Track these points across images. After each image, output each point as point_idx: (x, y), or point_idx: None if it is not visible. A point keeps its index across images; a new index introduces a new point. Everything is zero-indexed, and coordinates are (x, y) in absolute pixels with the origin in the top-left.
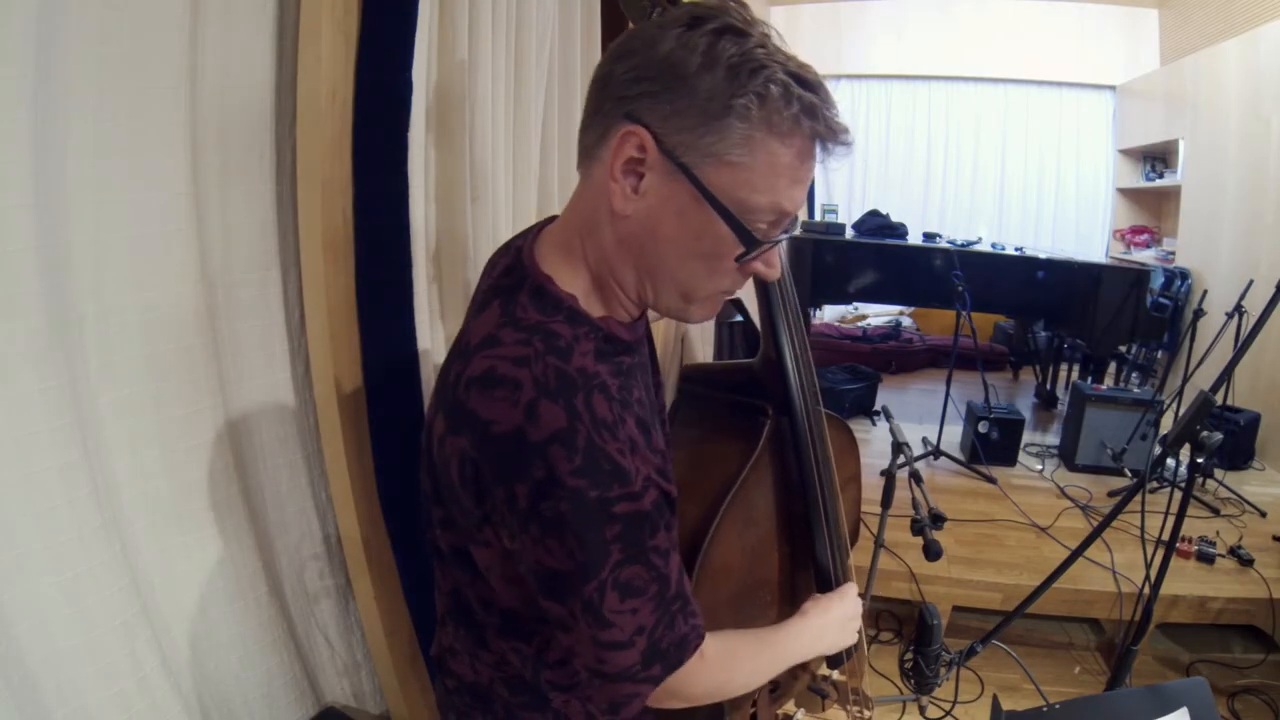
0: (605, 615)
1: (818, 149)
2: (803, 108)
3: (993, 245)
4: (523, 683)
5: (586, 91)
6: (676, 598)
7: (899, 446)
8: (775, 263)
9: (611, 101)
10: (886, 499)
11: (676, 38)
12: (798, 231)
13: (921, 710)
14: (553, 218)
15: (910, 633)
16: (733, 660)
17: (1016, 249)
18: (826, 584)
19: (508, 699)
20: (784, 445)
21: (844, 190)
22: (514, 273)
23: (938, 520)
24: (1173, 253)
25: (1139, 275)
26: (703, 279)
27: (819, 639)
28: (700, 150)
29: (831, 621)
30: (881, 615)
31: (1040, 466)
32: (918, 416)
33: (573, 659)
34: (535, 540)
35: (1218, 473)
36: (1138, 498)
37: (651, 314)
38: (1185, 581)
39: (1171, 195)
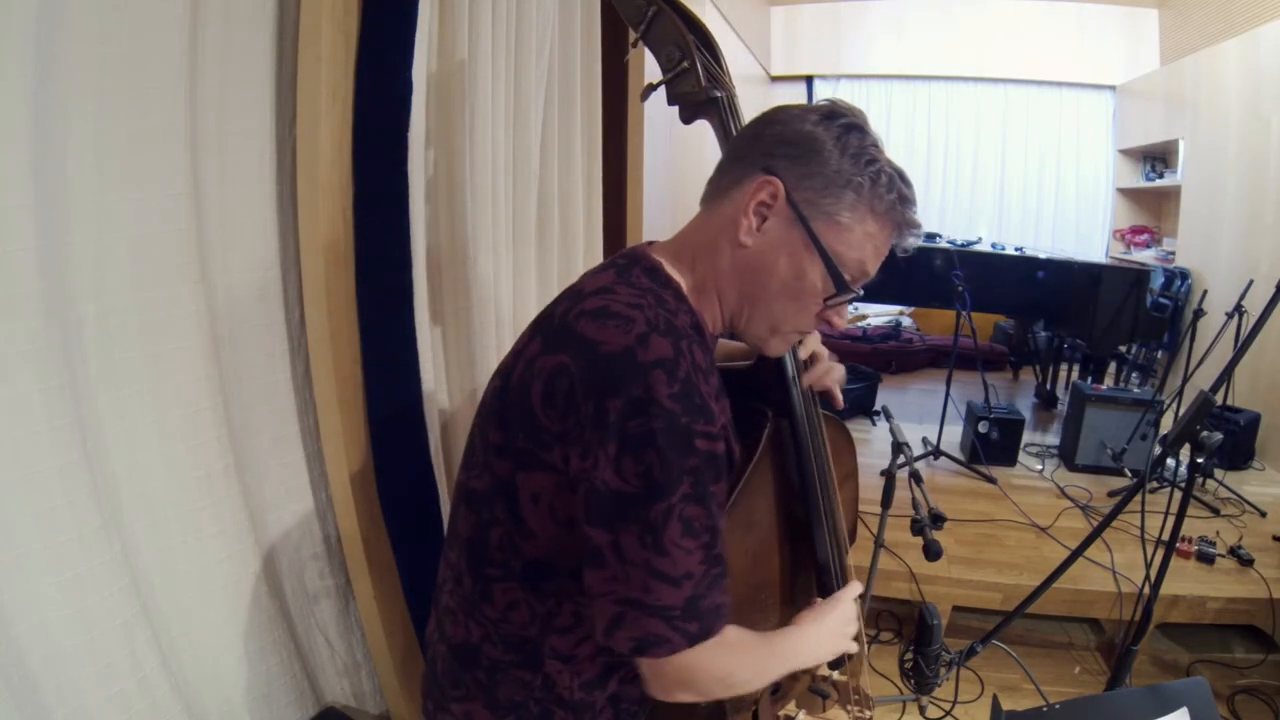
0: (665, 543)
1: (894, 233)
2: (899, 198)
3: (993, 245)
4: (519, 642)
5: (732, 141)
6: (719, 560)
7: (899, 446)
8: (845, 315)
9: (756, 155)
10: (886, 499)
11: (817, 121)
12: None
13: (921, 710)
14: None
15: (910, 633)
16: (742, 652)
17: (1016, 249)
18: (827, 584)
19: (498, 657)
20: (784, 448)
21: None
22: (629, 256)
23: (938, 520)
24: (1173, 253)
25: (1139, 275)
26: (791, 314)
27: (817, 647)
28: (818, 208)
29: (826, 631)
30: (881, 615)
31: (1040, 466)
32: (918, 416)
33: (593, 600)
34: (610, 458)
35: (1218, 473)
36: (1138, 498)
37: None
38: (1185, 581)
39: (1171, 195)
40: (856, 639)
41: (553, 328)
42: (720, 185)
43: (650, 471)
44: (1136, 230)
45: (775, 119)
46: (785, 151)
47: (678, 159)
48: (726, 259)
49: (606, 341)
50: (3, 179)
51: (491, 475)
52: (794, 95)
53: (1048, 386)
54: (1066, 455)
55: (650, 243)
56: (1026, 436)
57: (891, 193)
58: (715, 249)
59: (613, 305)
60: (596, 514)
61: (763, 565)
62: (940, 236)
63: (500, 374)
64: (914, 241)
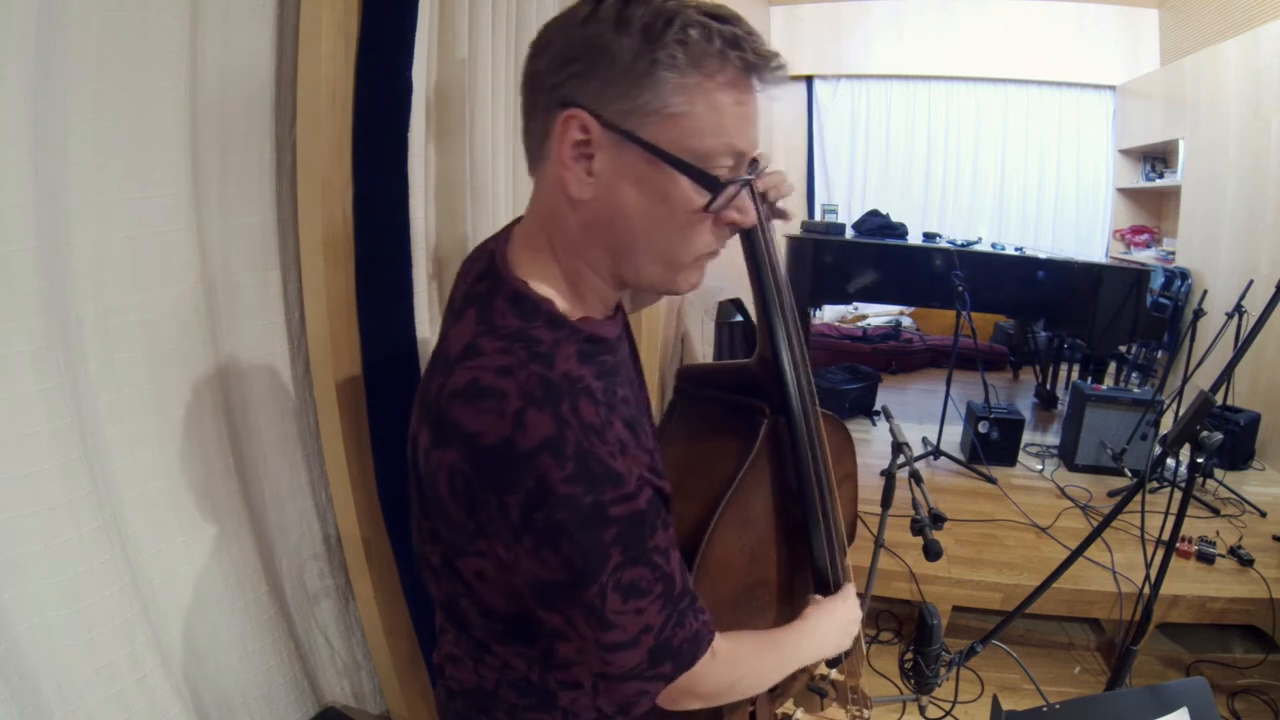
0: (607, 618)
1: (753, 81)
2: (725, 41)
3: (993, 245)
4: (529, 685)
5: (521, 91)
6: (684, 595)
7: (899, 446)
8: (748, 208)
9: (544, 95)
10: (886, 499)
11: (586, 17)
12: (763, 176)
13: (921, 710)
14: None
15: (910, 633)
16: (742, 660)
17: (1016, 249)
18: (824, 583)
19: (514, 702)
20: (781, 445)
21: (844, 190)
22: (488, 278)
23: (938, 520)
24: (1173, 253)
25: (1139, 275)
26: (680, 243)
27: (824, 642)
28: (640, 112)
29: (836, 624)
30: (881, 615)
31: (1040, 466)
32: (918, 416)
33: (574, 665)
34: (529, 551)
35: (1218, 473)
36: (1138, 498)
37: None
38: (1185, 581)
39: (1171, 195)
40: (855, 638)
41: (432, 413)
42: (531, 145)
43: (571, 560)
44: (1136, 230)
45: (545, 42)
46: (570, 71)
47: None
48: (573, 223)
49: (483, 432)
50: (3, 179)
51: (438, 554)
52: (794, 95)
53: (1048, 386)
54: (1066, 455)
55: (513, 225)
56: (1026, 436)
57: (714, 42)
58: (558, 219)
59: (482, 379)
60: (540, 599)
61: (760, 564)
62: (940, 236)
63: (411, 441)
64: (777, 79)
